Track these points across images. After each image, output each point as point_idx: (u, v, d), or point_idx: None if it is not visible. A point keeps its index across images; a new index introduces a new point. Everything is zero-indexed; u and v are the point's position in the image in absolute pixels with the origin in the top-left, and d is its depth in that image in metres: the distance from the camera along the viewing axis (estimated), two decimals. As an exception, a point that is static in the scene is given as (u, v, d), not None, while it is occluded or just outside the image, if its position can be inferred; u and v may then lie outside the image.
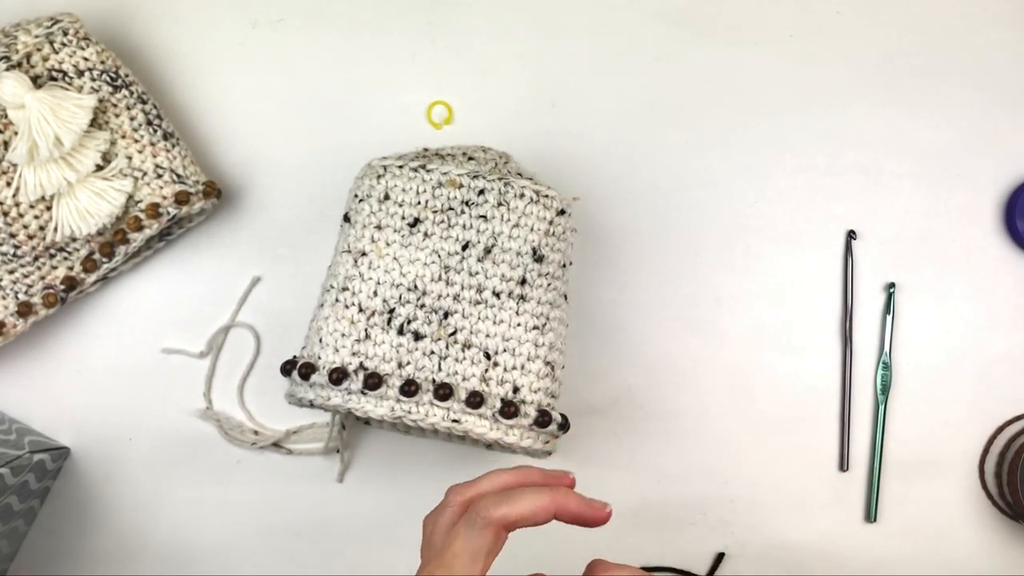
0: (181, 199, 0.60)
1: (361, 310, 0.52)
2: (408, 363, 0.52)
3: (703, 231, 0.65)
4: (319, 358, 0.52)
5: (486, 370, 0.52)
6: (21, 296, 0.60)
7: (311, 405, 0.53)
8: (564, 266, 0.55)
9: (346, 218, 0.56)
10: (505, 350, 0.52)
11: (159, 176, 0.60)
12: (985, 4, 0.66)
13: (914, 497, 0.64)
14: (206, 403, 0.64)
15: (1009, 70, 0.66)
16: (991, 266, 0.65)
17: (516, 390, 0.52)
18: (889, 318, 0.64)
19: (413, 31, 0.66)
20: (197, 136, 0.65)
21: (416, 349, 0.52)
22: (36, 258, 0.60)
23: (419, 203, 0.53)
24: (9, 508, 0.57)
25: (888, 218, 0.65)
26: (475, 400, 0.51)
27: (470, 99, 0.66)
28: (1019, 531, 0.64)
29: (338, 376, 0.51)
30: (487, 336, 0.52)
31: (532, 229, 0.54)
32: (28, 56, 0.58)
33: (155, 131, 0.60)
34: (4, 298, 0.60)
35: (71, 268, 0.61)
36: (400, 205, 0.53)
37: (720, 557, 0.63)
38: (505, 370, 0.52)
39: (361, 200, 0.54)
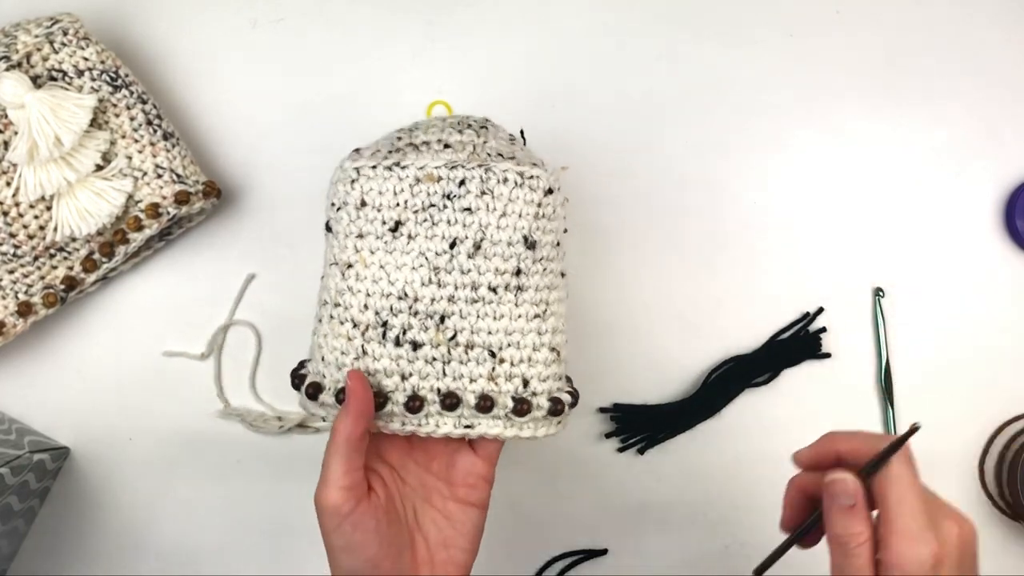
0: (181, 199, 0.60)
1: (355, 325, 0.50)
2: (411, 374, 0.50)
3: (703, 231, 0.65)
4: (324, 377, 0.51)
5: (492, 368, 0.50)
6: (21, 296, 0.60)
7: (323, 420, 0.53)
8: (558, 244, 0.52)
9: (328, 227, 0.53)
10: (510, 345, 0.50)
11: (159, 176, 0.60)
12: (985, 4, 0.66)
13: (914, 497, 0.64)
14: (222, 403, 0.64)
15: (1009, 71, 0.66)
16: (991, 266, 0.65)
17: (526, 383, 0.50)
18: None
19: (413, 31, 0.66)
20: (197, 136, 0.65)
21: (417, 358, 0.50)
22: (36, 258, 0.60)
23: (398, 204, 0.50)
24: (9, 508, 0.57)
25: (888, 218, 0.65)
26: (486, 404, 0.49)
27: (470, 99, 0.66)
28: (1019, 531, 0.64)
29: (344, 396, 0.49)
30: (489, 333, 0.50)
31: (520, 215, 0.50)
32: (28, 56, 0.58)
33: (155, 131, 0.60)
34: (4, 298, 0.60)
35: (71, 268, 0.61)
36: (379, 210, 0.50)
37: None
38: (512, 364, 0.50)
39: (339, 208, 0.51)
